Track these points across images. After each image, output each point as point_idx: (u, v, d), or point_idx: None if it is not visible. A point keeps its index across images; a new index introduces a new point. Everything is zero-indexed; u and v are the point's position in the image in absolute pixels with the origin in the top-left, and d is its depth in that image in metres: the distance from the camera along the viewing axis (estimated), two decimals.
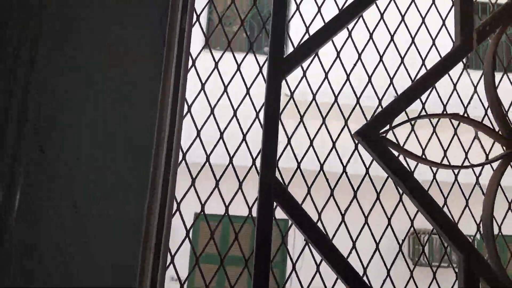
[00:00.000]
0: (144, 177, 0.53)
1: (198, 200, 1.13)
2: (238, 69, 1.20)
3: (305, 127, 1.28)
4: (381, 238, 1.18)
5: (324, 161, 1.21)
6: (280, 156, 1.15)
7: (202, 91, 1.15)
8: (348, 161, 1.23)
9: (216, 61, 1.19)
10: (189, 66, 1.24)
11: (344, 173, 1.22)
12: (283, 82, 1.45)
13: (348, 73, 1.27)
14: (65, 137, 0.55)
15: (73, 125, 0.55)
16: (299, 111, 1.25)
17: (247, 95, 1.19)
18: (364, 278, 1.17)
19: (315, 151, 1.23)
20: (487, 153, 1.31)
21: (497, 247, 1.27)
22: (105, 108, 0.56)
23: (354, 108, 1.26)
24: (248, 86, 1.20)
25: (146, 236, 0.55)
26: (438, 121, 1.31)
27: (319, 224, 1.18)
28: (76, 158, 0.54)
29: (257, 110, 1.20)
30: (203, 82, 1.16)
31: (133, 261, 0.52)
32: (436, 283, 1.34)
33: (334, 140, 1.25)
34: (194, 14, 1.12)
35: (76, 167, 0.54)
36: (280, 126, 1.24)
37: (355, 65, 1.27)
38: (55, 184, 0.54)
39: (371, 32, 1.29)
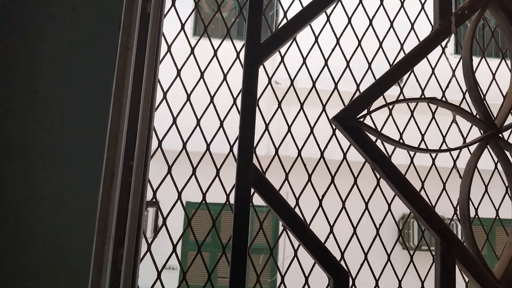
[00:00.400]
0: (96, 166, 0.52)
1: (175, 187, 1.12)
2: (215, 54, 1.18)
3: (283, 113, 1.27)
4: (358, 221, 1.18)
5: (302, 147, 1.21)
6: (258, 142, 1.14)
7: (178, 77, 1.14)
8: (326, 146, 1.23)
9: (192, 46, 1.17)
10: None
11: (322, 159, 1.22)
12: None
13: (326, 59, 1.26)
14: (11, 121, 0.54)
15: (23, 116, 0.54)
16: (277, 97, 1.24)
17: (224, 81, 1.18)
18: (343, 263, 1.18)
19: (293, 138, 1.23)
20: (465, 136, 1.31)
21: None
22: (55, 98, 0.55)
23: (332, 94, 1.26)
24: (226, 72, 1.19)
25: (103, 223, 0.54)
26: (416, 105, 1.31)
27: (297, 210, 1.18)
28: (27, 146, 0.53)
29: (235, 97, 1.18)
30: (179, 68, 1.15)
31: (86, 248, 0.52)
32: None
33: (312, 126, 1.24)
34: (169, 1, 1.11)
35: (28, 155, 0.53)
36: (258, 113, 1.24)
37: (333, 50, 1.26)
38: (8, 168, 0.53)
39: (349, 16, 1.28)
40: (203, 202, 1.23)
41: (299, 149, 1.19)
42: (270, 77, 1.24)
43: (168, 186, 1.17)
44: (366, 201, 1.19)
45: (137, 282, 1.03)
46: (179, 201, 1.17)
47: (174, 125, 1.12)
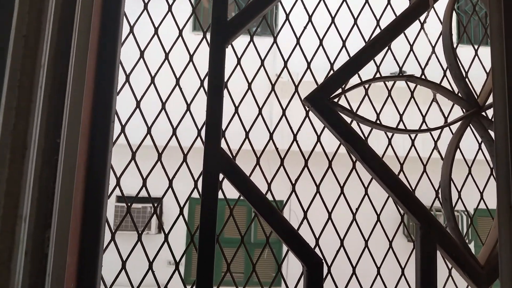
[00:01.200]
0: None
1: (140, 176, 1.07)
2: (180, 35, 1.13)
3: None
4: (333, 207, 1.13)
5: (272, 133, 1.16)
6: (227, 127, 1.09)
7: (142, 59, 1.08)
8: (298, 130, 1.18)
9: (156, 27, 1.12)
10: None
11: (296, 142, 1.16)
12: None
13: (298, 37, 1.20)
14: None
15: None
16: (247, 79, 1.19)
17: (190, 62, 1.12)
18: (318, 250, 1.12)
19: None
20: (446, 117, 1.25)
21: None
22: None
23: (303, 75, 1.20)
24: (192, 53, 1.13)
25: (11, 200, 0.49)
26: (393, 84, 1.24)
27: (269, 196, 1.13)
28: None
29: (202, 79, 1.13)
30: (142, 50, 1.09)
31: None
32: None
33: (284, 108, 1.19)
34: None
35: None
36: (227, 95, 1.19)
37: (305, 27, 1.20)
38: None
39: None
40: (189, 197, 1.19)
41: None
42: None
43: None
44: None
45: (99, 272, 0.98)
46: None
47: (137, 108, 1.06)
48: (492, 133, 1.18)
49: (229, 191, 1.15)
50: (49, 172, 0.57)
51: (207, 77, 1.09)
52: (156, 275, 1.11)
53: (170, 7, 1.12)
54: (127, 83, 1.06)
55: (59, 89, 0.58)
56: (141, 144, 1.06)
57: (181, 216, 1.13)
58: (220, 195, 1.19)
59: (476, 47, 1.31)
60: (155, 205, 1.09)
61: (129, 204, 1.08)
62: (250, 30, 1.22)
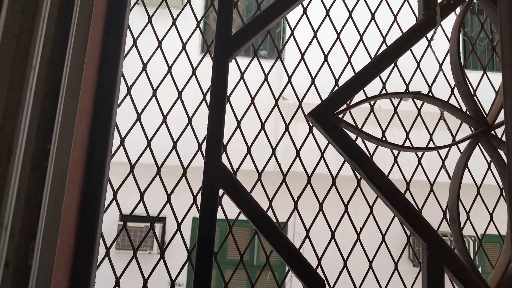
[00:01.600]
0: None
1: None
2: (184, 48, 1.12)
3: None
4: (337, 226, 1.09)
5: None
6: (228, 141, 1.06)
7: (144, 72, 1.07)
8: (301, 146, 1.15)
9: (160, 40, 1.11)
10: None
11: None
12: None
13: (302, 53, 1.19)
14: None
15: None
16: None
17: (193, 76, 1.11)
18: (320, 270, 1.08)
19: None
20: (454, 135, 1.22)
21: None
22: None
23: (307, 90, 1.18)
24: (195, 67, 1.12)
25: None
26: (399, 101, 1.22)
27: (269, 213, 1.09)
28: None
29: (204, 93, 1.12)
30: (145, 62, 1.08)
31: None
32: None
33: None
34: None
35: None
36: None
37: (310, 43, 1.18)
38: None
39: (327, 8, 1.20)
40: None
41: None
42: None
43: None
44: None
45: (92, 284, 0.95)
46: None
47: (138, 121, 1.05)
48: (501, 152, 1.15)
49: (231, 211, 1.12)
50: (37, 179, 0.55)
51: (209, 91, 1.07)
52: None
53: (174, 20, 1.12)
54: (128, 95, 1.05)
55: (52, 94, 0.56)
56: (141, 157, 1.04)
57: (179, 234, 1.10)
58: (222, 215, 1.16)
59: (483, 65, 1.29)
60: (153, 223, 1.06)
61: (125, 220, 1.05)
62: (255, 45, 1.21)
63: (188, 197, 1.11)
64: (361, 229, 1.15)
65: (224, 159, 1.03)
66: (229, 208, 1.13)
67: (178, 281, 5.87)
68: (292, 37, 1.26)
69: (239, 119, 1.10)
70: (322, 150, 1.13)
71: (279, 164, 1.11)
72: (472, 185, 1.25)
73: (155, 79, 1.13)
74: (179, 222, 1.03)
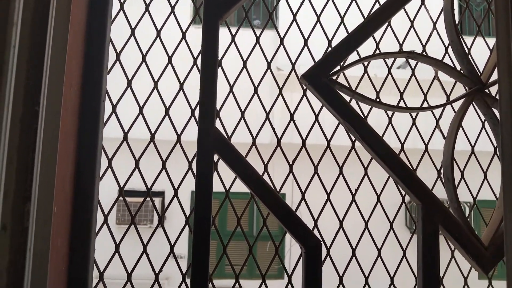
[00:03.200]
0: None
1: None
2: (172, 11, 1.09)
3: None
4: (331, 189, 1.09)
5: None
6: (222, 106, 1.05)
7: (133, 36, 1.05)
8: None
9: (147, 2, 1.08)
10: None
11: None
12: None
13: (294, 13, 1.16)
14: None
15: None
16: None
17: (183, 40, 1.09)
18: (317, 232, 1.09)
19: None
20: (448, 95, 1.21)
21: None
22: None
23: (300, 53, 1.16)
24: (184, 30, 1.10)
25: None
26: (393, 61, 1.21)
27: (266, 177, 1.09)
28: None
29: (195, 57, 1.10)
30: (133, 27, 1.06)
31: None
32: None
33: (316, 113, 1.16)
34: None
35: None
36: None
37: (302, 3, 1.16)
38: None
39: None
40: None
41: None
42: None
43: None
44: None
45: (92, 255, 0.96)
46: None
47: (129, 87, 1.03)
48: (495, 111, 1.15)
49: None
50: (28, 141, 0.54)
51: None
52: (160, 268, 1.08)
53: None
54: (117, 61, 1.03)
55: (37, 53, 0.54)
56: (134, 123, 1.03)
57: (178, 207, 1.10)
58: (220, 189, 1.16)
59: (478, 25, 1.27)
60: (150, 190, 1.06)
61: (122, 187, 1.04)
62: (245, 7, 1.18)
63: (185, 171, 1.11)
64: (356, 190, 1.15)
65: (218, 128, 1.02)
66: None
67: (180, 254, 5.94)
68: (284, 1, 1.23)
69: (231, 84, 1.09)
70: (316, 114, 1.12)
71: (273, 129, 1.11)
72: (466, 152, 1.25)
73: (145, 46, 1.10)
74: (176, 188, 1.03)
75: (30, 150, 0.55)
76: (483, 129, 1.18)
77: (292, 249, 6.24)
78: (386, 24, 1.14)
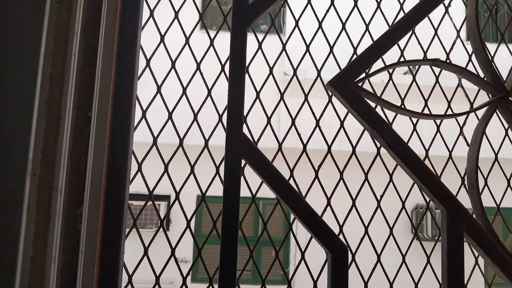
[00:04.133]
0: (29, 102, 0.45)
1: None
2: (200, 19, 1.11)
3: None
4: (357, 195, 1.10)
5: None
6: (248, 112, 1.07)
7: (162, 43, 1.07)
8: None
9: (176, 10, 1.10)
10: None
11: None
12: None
13: (320, 21, 1.18)
14: None
15: None
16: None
17: (211, 47, 1.10)
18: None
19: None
20: (472, 102, 1.22)
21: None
22: None
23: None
24: (212, 37, 1.12)
25: (47, 171, 0.47)
26: (418, 68, 1.22)
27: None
28: None
29: (223, 63, 1.11)
30: (163, 34, 1.08)
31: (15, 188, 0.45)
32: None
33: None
34: None
35: None
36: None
37: (327, 11, 1.17)
38: None
39: None
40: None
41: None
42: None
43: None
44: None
45: (122, 257, 0.97)
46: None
47: (158, 93, 1.05)
48: None
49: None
50: (81, 146, 0.55)
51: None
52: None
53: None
54: (147, 67, 1.05)
55: (90, 60, 0.56)
56: (163, 129, 1.05)
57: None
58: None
59: (501, 33, 1.28)
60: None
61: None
62: (272, 14, 1.20)
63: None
64: (381, 196, 1.16)
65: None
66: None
67: (184, 258, 5.94)
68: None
69: (258, 90, 1.10)
70: (342, 120, 1.13)
71: (299, 134, 1.12)
72: (489, 159, 1.25)
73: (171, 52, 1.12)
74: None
75: (83, 155, 0.56)
76: (507, 137, 1.18)
77: (297, 255, 6.24)
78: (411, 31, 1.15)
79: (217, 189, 1.14)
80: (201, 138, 1.13)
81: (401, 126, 1.32)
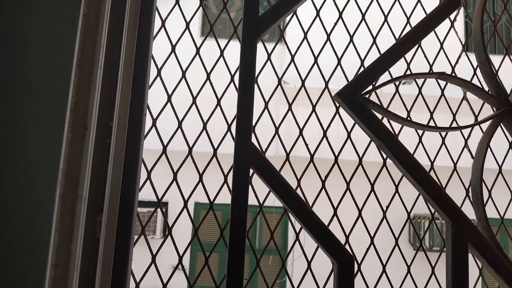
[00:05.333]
0: (60, 110, 0.46)
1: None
2: (211, 30, 1.13)
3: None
4: (363, 204, 1.11)
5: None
6: (257, 122, 1.08)
7: (173, 53, 1.08)
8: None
9: (187, 21, 1.12)
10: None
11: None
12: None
13: (328, 33, 1.20)
14: None
15: None
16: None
17: (221, 57, 1.12)
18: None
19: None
20: (476, 115, 1.24)
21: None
22: None
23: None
24: (222, 48, 1.13)
25: (72, 180, 0.48)
26: (424, 81, 1.24)
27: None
28: None
29: (232, 74, 1.13)
30: (174, 44, 1.09)
31: (47, 198, 0.46)
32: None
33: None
34: None
35: None
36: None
37: (335, 24, 1.19)
38: None
39: None
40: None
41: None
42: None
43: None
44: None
45: (130, 265, 0.98)
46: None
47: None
48: None
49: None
50: (102, 155, 0.56)
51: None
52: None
53: (211, 26, 1.13)
54: (158, 76, 1.06)
55: (112, 71, 0.57)
56: (173, 137, 1.06)
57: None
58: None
59: (505, 46, 1.31)
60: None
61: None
62: (281, 26, 1.22)
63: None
64: (387, 207, 1.17)
65: None
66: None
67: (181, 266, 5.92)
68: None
69: (267, 100, 1.12)
70: (349, 131, 1.15)
71: (306, 145, 1.13)
72: (493, 170, 1.27)
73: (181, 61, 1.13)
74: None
75: (104, 163, 0.57)
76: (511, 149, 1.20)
77: (295, 263, 6.24)
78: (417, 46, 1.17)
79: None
80: (203, 146, 1.15)
81: (407, 136, 1.33)
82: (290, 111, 1.17)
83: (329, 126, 1.21)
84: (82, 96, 0.49)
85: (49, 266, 0.45)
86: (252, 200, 1.10)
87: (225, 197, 1.21)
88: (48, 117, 0.46)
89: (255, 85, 1.08)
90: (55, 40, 0.48)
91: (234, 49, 1.19)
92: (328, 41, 1.20)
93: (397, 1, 1.22)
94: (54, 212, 0.46)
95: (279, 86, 1.13)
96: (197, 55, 1.10)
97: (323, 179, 1.13)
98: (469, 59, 1.24)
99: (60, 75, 0.46)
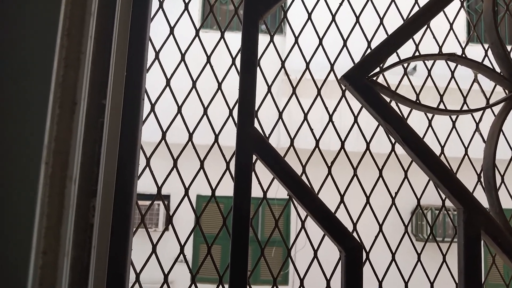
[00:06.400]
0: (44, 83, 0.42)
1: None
2: (211, 11, 1.08)
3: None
4: (371, 192, 1.07)
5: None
6: (260, 106, 1.04)
7: (172, 35, 1.04)
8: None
9: (186, 1, 1.07)
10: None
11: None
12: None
13: (333, 14, 1.15)
14: None
15: None
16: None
17: (222, 39, 1.08)
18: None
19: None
20: (488, 98, 1.19)
21: None
22: None
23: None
24: (223, 29, 1.09)
25: (61, 158, 0.44)
26: (433, 64, 1.19)
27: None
28: None
29: (233, 57, 1.09)
30: (172, 26, 1.05)
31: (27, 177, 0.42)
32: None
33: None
34: None
35: None
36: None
37: (341, 4, 1.15)
38: None
39: None
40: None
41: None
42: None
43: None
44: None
45: (129, 255, 0.94)
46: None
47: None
48: None
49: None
50: (94, 134, 0.52)
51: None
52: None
53: (211, 7, 1.08)
54: (156, 59, 1.02)
55: (105, 45, 0.53)
56: (172, 123, 1.02)
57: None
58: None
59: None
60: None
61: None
62: (284, 6, 1.17)
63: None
64: (396, 193, 1.13)
65: None
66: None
67: (180, 257, 5.92)
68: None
69: (270, 84, 1.07)
70: (355, 115, 1.10)
71: (314, 134, 1.09)
72: (503, 161, 1.22)
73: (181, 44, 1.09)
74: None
75: (96, 144, 0.53)
76: None
77: (298, 255, 6.21)
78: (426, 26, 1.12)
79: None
80: (202, 138, 1.11)
81: (416, 124, 1.29)
82: (294, 95, 1.12)
83: (334, 111, 1.17)
84: (71, 68, 0.45)
85: (34, 253, 0.41)
86: (254, 192, 1.07)
87: (227, 190, 1.17)
88: (32, 89, 0.42)
89: (257, 68, 1.04)
90: (40, 6, 0.43)
91: (234, 41, 1.15)
92: (333, 22, 1.15)
93: None
94: (40, 193, 0.42)
95: (282, 69, 1.09)
96: (197, 37, 1.05)
97: (329, 165, 1.08)
98: (480, 41, 1.19)
99: (45, 44, 0.42)
